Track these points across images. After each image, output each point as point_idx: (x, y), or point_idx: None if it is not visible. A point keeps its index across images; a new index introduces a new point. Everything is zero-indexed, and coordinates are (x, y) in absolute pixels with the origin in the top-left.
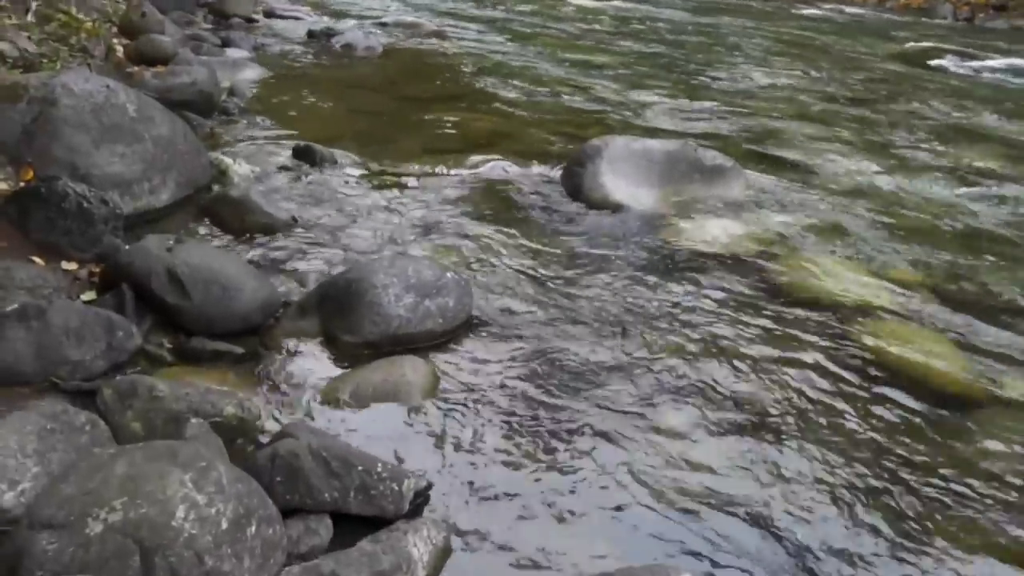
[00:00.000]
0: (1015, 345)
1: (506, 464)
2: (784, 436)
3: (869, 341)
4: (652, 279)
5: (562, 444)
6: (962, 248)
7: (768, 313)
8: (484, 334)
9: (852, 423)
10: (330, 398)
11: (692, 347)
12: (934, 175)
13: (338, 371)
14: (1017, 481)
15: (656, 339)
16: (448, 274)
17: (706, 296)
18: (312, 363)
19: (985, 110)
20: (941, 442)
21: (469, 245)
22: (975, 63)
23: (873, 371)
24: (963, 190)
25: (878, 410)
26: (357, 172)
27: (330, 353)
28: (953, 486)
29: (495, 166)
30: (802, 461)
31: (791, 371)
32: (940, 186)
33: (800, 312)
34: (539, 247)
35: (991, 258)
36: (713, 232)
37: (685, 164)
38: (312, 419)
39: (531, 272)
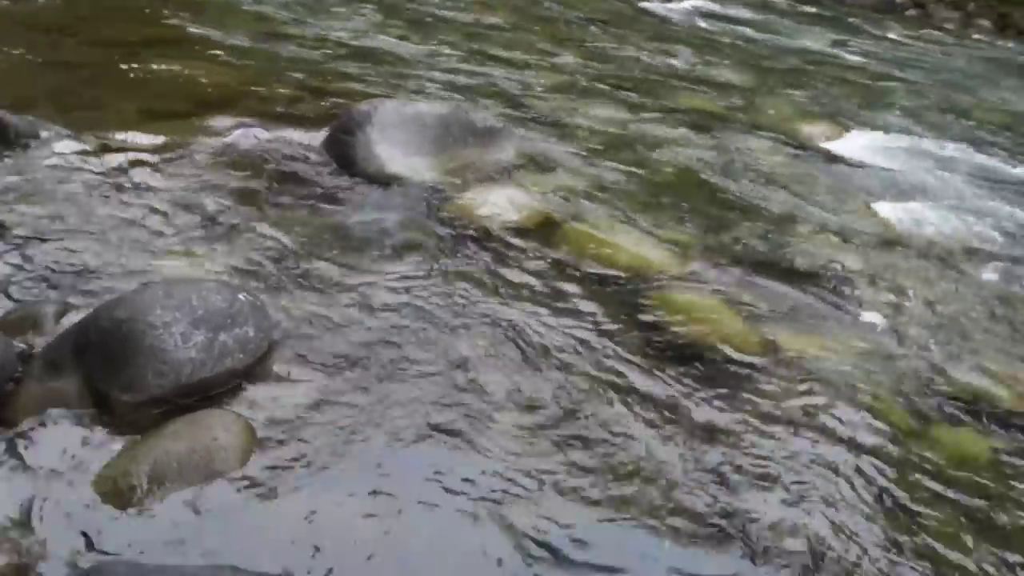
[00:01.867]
0: (786, 299)
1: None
2: (572, 411)
3: (654, 306)
4: (450, 263)
5: (420, 488)
6: (715, 200)
7: (563, 287)
8: (291, 359)
9: (636, 393)
10: (121, 490)
11: (500, 336)
12: (671, 120)
13: (121, 444)
14: (793, 432)
15: (468, 332)
16: (240, 296)
17: (503, 276)
18: (82, 439)
19: (691, 50)
20: (724, 402)
21: (244, 245)
22: (675, 4)
23: (659, 337)
24: (702, 138)
25: (663, 376)
26: (70, 149)
27: (105, 421)
28: (731, 446)
29: (244, 133)
30: (586, 432)
31: (583, 344)
32: (680, 132)
33: (588, 283)
34: (323, 236)
35: (739, 210)
36: (499, 202)
37: (458, 128)
38: (101, 536)
39: (324, 271)
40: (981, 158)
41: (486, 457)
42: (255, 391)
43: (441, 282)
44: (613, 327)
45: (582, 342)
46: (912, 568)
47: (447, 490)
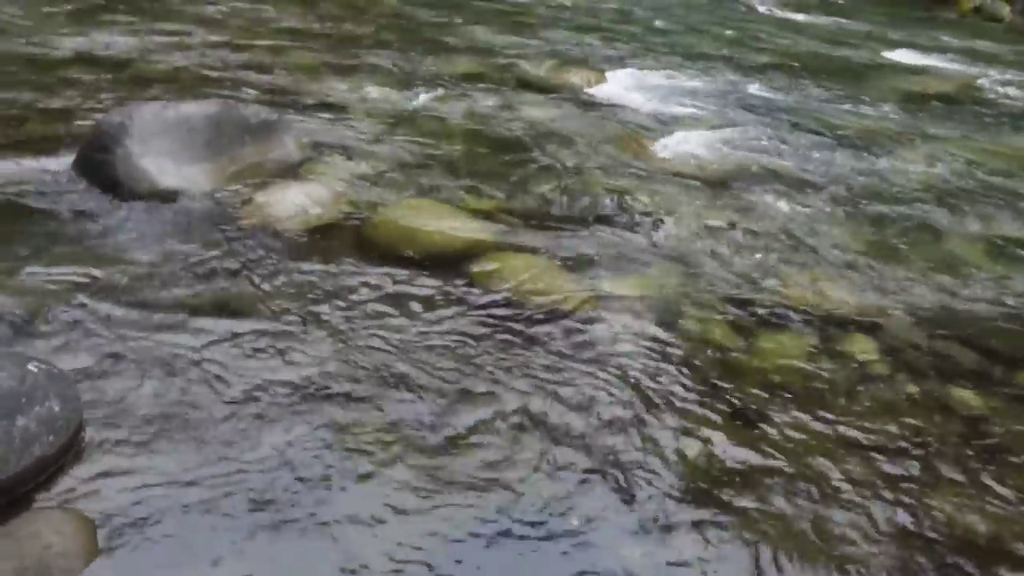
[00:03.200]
0: (593, 246)
1: None
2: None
3: (477, 274)
4: (257, 281)
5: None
6: (506, 162)
7: (383, 278)
8: (107, 429)
9: (469, 359)
10: None
11: (333, 356)
12: (447, 88)
13: None
14: (626, 364)
15: (289, 360)
16: (31, 367)
17: (317, 283)
18: None
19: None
20: (554, 354)
21: (10, 304)
22: None
23: (485, 302)
24: (478, 101)
25: (493, 339)
26: None
27: None
28: (572, 391)
29: None
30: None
31: (417, 327)
32: (457, 98)
33: (409, 267)
34: (104, 275)
35: (530, 167)
36: (296, 201)
37: (231, 127)
38: None
39: (118, 316)
40: (727, 85)
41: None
42: (77, 476)
43: (250, 305)
44: (439, 304)
45: (417, 326)
46: (759, 471)
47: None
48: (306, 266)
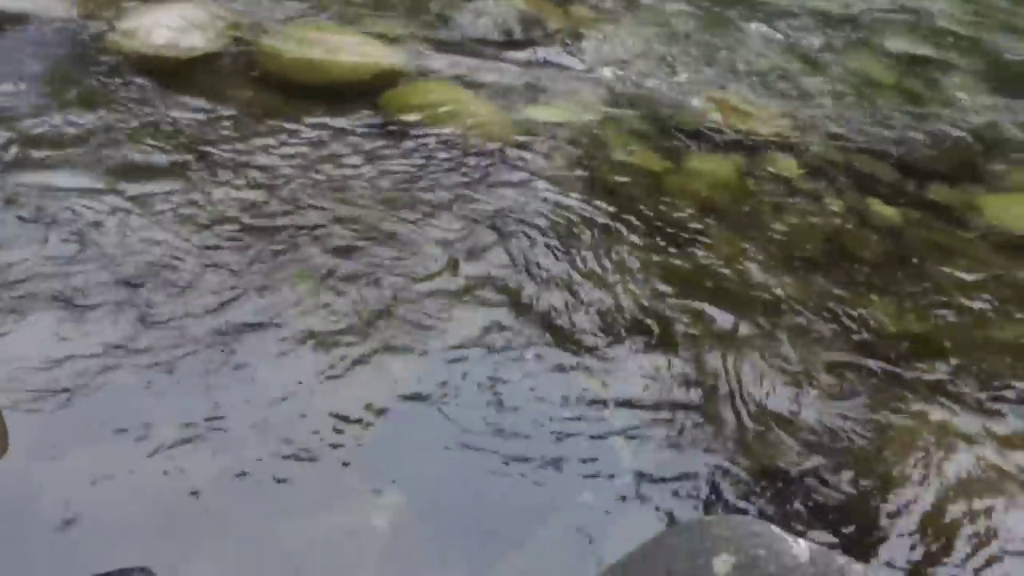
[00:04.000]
0: (514, 74)
1: None
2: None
3: (394, 107)
4: (126, 117)
5: None
6: None
7: (285, 113)
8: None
9: (384, 193)
10: None
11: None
12: None
13: None
14: (557, 191)
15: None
16: None
17: (199, 120)
18: None
19: None
20: (482, 182)
21: None
22: None
23: (405, 130)
24: None
25: (413, 171)
26: None
27: None
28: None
29: None
30: None
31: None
32: None
33: (314, 98)
34: None
35: None
36: (173, 24)
37: None
38: None
39: None
40: None
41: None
42: None
43: (119, 151)
44: (351, 137)
45: (329, 162)
46: (692, 289)
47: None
48: (187, 101)
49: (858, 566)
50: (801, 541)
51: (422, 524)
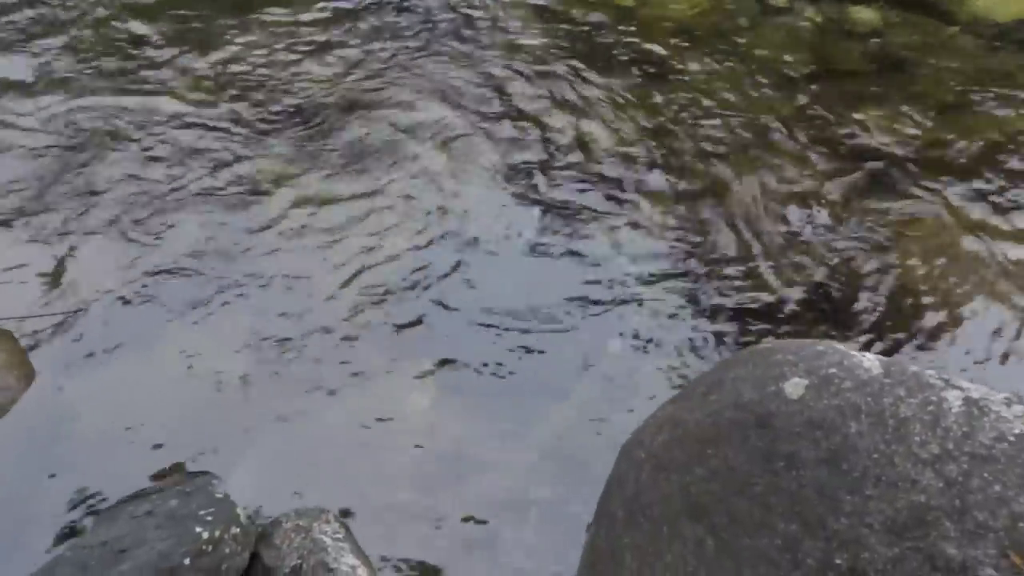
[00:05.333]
0: None
1: None
2: None
3: None
4: None
5: None
6: None
7: None
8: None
9: None
10: None
11: None
12: None
13: None
14: None
15: None
16: None
17: None
18: None
19: None
20: None
21: None
22: None
23: None
24: None
25: None
26: None
27: None
28: None
29: None
30: None
31: None
32: None
33: None
34: None
35: None
36: None
37: None
38: None
39: None
40: None
41: None
42: None
43: None
44: None
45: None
46: (677, 117)
47: None
48: None
49: (930, 372)
50: (868, 355)
51: (466, 389)
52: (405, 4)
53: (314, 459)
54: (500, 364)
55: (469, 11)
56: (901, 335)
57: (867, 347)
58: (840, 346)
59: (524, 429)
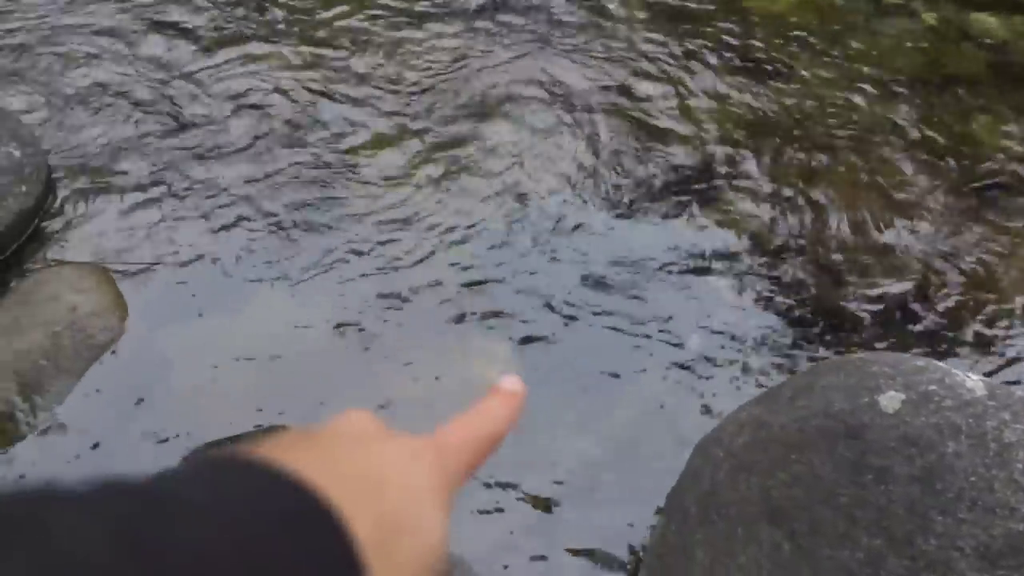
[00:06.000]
0: None
1: None
2: None
3: None
4: None
5: None
6: None
7: None
8: (77, 172)
9: None
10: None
11: None
12: None
13: None
14: None
15: None
16: None
17: None
18: None
19: None
20: None
21: None
22: None
23: None
24: None
25: None
26: None
27: None
28: None
29: None
30: None
31: None
32: None
33: None
34: None
35: None
36: None
37: None
38: None
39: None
40: None
41: None
42: (65, 226)
43: None
44: None
45: None
46: (780, 121)
47: None
48: None
49: None
50: (972, 375)
51: (541, 370)
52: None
53: (397, 421)
54: (578, 348)
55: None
56: (1004, 360)
57: (966, 368)
58: (941, 363)
59: (594, 416)
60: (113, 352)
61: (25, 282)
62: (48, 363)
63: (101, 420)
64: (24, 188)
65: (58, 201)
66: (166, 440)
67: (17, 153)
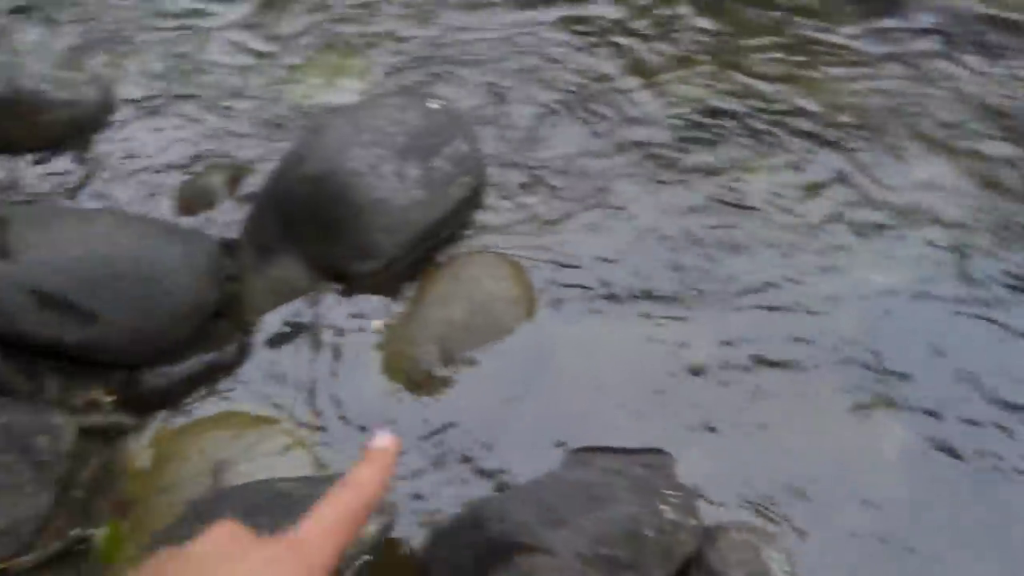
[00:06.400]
0: None
1: None
2: None
3: None
4: None
5: None
6: None
7: None
8: (508, 170)
9: None
10: (414, 374)
11: None
12: None
13: (377, 321)
14: None
15: None
16: (432, 104)
17: None
18: (331, 327)
19: None
20: None
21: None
22: None
23: None
24: None
25: None
26: None
27: (344, 300)
28: None
29: None
30: None
31: None
32: None
33: None
34: None
35: None
36: None
37: None
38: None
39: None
40: None
41: None
42: (495, 218)
43: None
44: None
45: None
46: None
47: None
48: None
49: None
50: None
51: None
52: None
53: (770, 468)
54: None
55: None
56: None
57: None
58: None
59: None
60: (513, 337)
61: (456, 262)
62: (463, 334)
63: (487, 397)
64: (466, 179)
65: (487, 192)
66: (544, 421)
67: (465, 147)
